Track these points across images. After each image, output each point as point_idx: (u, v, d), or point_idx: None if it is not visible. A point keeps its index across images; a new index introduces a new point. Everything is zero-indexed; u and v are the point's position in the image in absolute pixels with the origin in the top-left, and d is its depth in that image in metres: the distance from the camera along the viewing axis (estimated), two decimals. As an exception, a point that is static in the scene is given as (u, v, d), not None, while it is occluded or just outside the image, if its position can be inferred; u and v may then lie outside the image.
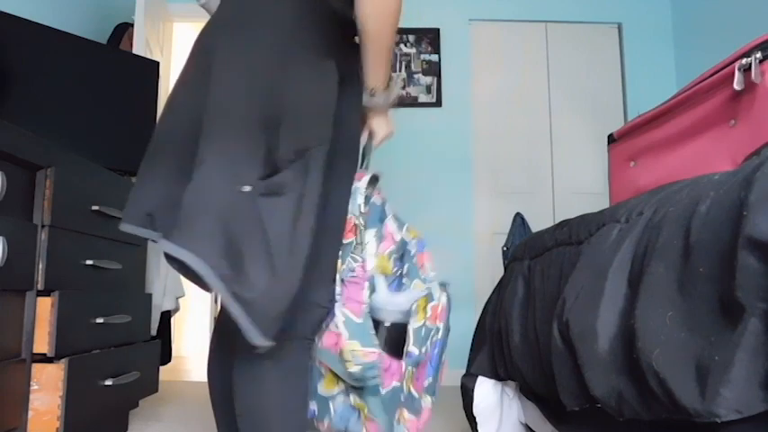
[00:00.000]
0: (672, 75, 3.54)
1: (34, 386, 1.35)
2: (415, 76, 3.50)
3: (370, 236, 1.01)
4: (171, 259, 0.87)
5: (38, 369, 1.36)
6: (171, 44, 3.31)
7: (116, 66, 2.13)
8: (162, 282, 2.33)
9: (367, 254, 1.00)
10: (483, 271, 3.23)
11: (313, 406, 1.02)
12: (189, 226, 0.83)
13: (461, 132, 3.44)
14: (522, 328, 1.38)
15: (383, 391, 0.98)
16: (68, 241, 1.47)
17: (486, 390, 1.57)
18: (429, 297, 1.05)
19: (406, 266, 1.05)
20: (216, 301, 3.94)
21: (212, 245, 0.82)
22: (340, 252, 1.01)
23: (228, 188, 0.85)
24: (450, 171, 3.39)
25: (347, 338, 0.95)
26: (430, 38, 3.46)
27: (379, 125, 1.10)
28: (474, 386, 1.59)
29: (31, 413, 1.34)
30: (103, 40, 2.87)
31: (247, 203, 0.84)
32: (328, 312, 0.98)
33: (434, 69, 3.47)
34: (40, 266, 1.36)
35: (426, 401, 1.07)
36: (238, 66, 0.92)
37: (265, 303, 0.82)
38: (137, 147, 2.12)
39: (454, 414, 2.07)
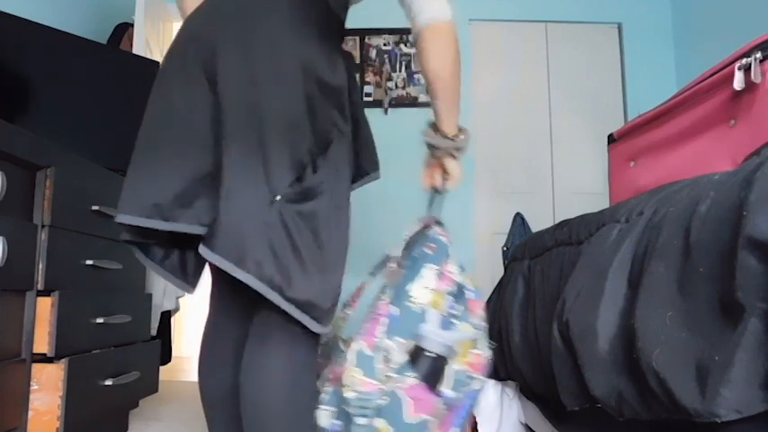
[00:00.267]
0: (672, 75, 3.54)
1: (34, 386, 1.35)
2: (415, 76, 3.50)
3: (430, 270, 1.05)
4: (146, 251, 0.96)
5: (38, 369, 1.36)
6: (171, 44, 3.30)
7: (116, 66, 2.13)
8: (162, 282, 2.33)
9: (422, 285, 1.04)
10: (483, 271, 3.23)
11: (337, 426, 1.02)
12: (240, 248, 0.86)
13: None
14: (522, 328, 1.38)
15: (413, 420, 0.99)
16: (68, 241, 1.47)
17: (486, 390, 1.57)
18: (475, 343, 1.07)
19: (458, 309, 1.07)
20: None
21: (264, 260, 0.86)
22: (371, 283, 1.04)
23: (264, 200, 0.87)
24: (450, 171, 3.39)
25: (352, 365, 0.99)
26: (430, 38, 3.46)
27: (454, 168, 1.10)
28: (474, 386, 1.59)
29: (31, 413, 1.34)
30: (103, 40, 2.87)
31: (283, 213, 0.87)
32: (334, 312, 1.00)
33: (434, 69, 3.47)
34: (40, 266, 1.36)
35: None
36: (253, 61, 0.91)
37: (319, 300, 0.89)
38: (137, 147, 2.12)
39: (454, 414, 2.07)
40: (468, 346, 1.06)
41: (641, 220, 0.95)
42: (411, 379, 0.99)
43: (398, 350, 1.00)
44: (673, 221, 0.83)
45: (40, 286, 1.36)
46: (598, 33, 3.61)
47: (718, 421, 0.66)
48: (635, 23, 3.60)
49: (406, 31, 3.46)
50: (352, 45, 3.53)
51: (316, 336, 0.97)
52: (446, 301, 1.05)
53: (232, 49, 0.92)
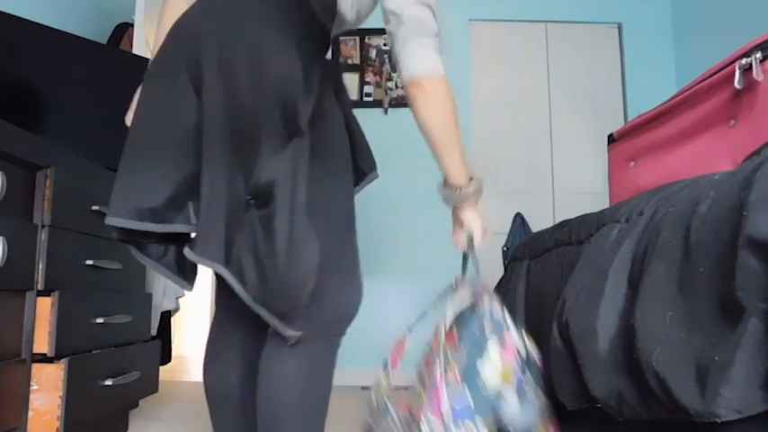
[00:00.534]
0: (672, 75, 3.54)
1: (34, 386, 1.35)
2: (415, 76, 3.49)
3: (493, 346, 1.03)
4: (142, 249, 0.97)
5: (38, 369, 1.36)
6: (171, 44, 3.30)
7: (116, 66, 2.13)
8: (162, 282, 2.33)
9: (491, 365, 1.03)
10: (483, 271, 3.23)
11: None
12: (205, 238, 0.89)
13: (461, 132, 3.44)
14: (521, 328, 1.38)
15: None
16: (68, 241, 1.47)
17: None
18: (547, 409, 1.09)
19: (527, 374, 1.08)
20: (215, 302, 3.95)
21: (245, 263, 0.87)
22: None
23: (240, 204, 0.89)
24: (450, 171, 3.38)
25: None
26: (430, 38, 3.46)
27: (472, 220, 1.06)
28: (474, 386, 1.59)
29: (31, 413, 1.34)
30: (103, 40, 2.87)
31: (254, 214, 0.89)
32: (355, 313, 1.01)
33: (434, 69, 3.46)
34: (40, 266, 1.36)
35: None
36: (232, 71, 0.92)
37: (291, 305, 0.89)
38: (137, 147, 2.11)
39: (454, 414, 2.07)
40: (545, 419, 1.07)
41: (641, 220, 0.95)
42: None
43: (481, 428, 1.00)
44: (673, 221, 0.83)
45: (40, 286, 1.36)
46: (598, 33, 3.61)
47: (718, 421, 0.66)
48: (635, 23, 3.59)
49: (406, 31, 3.46)
50: (352, 45, 3.53)
51: (333, 343, 0.99)
52: (514, 372, 1.05)
53: (215, 57, 0.92)
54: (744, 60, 1.11)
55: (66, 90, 1.95)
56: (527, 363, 1.08)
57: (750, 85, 1.11)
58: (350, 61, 3.52)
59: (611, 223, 1.06)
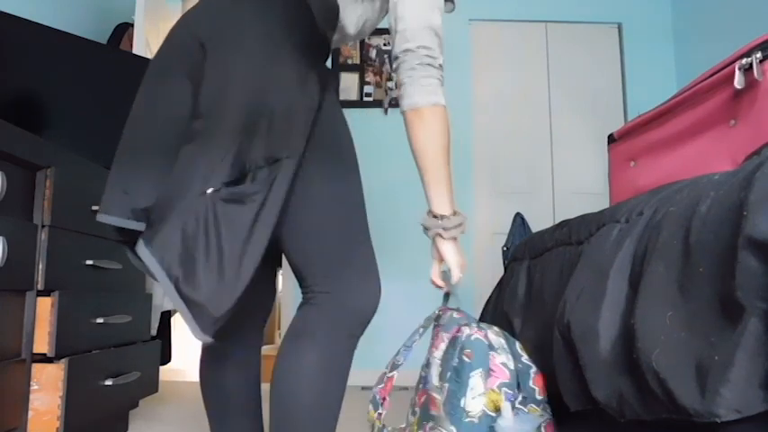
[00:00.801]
0: (672, 75, 3.54)
1: (34, 386, 1.35)
2: (415, 76, 3.49)
3: (475, 377, 1.05)
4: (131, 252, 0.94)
5: (38, 369, 1.36)
6: (171, 44, 3.31)
7: (116, 66, 2.12)
8: (162, 282, 2.32)
9: (473, 395, 1.04)
10: (483, 271, 3.23)
11: None
12: (155, 226, 0.87)
13: (461, 132, 3.43)
14: (522, 329, 1.38)
15: None
16: (68, 241, 1.47)
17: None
18: (549, 420, 1.10)
19: (521, 394, 1.08)
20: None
21: (171, 247, 0.86)
22: None
23: (195, 190, 0.87)
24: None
25: None
26: (430, 38, 3.46)
27: (451, 253, 1.06)
28: (474, 386, 1.59)
29: (31, 413, 1.34)
30: (103, 40, 2.87)
31: (208, 206, 0.87)
32: (373, 313, 1.01)
33: (434, 69, 3.47)
34: (40, 266, 1.36)
35: None
36: (229, 68, 0.92)
37: (210, 307, 0.86)
38: (137, 147, 2.11)
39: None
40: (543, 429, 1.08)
41: (641, 220, 0.95)
42: None
43: None
44: (673, 221, 0.83)
45: (40, 286, 1.36)
46: (598, 33, 3.61)
47: (718, 421, 0.66)
48: (635, 23, 3.60)
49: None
50: (352, 45, 3.53)
51: (352, 341, 1.00)
52: (503, 393, 1.06)
53: (215, 60, 0.93)
54: (744, 60, 1.11)
55: (67, 90, 1.95)
56: (521, 378, 1.09)
57: (750, 85, 1.11)
58: (350, 61, 3.53)
59: (611, 223, 1.06)
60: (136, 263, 0.97)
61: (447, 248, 1.06)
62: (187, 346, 3.41)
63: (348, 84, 3.50)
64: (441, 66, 0.99)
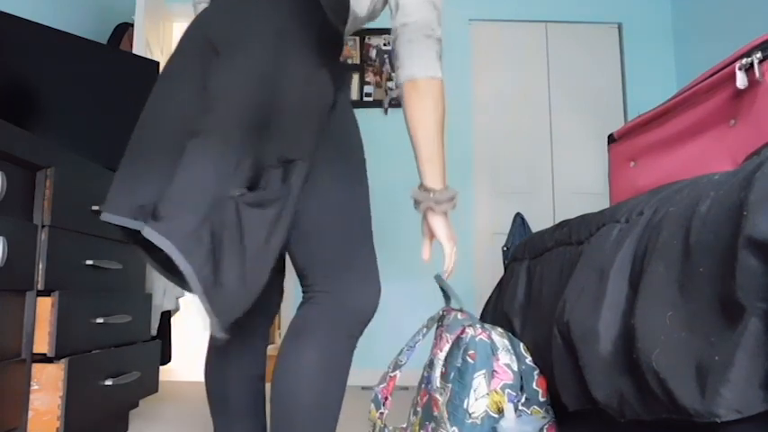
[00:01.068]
0: (672, 75, 3.54)
1: (34, 386, 1.35)
2: (415, 76, 3.49)
3: (479, 379, 1.06)
4: (147, 250, 0.92)
5: (38, 369, 1.36)
6: (171, 44, 3.31)
7: (116, 66, 2.13)
8: (162, 282, 2.33)
9: (476, 396, 1.05)
10: (483, 271, 3.23)
11: None
12: (178, 224, 0.85)
13: (461, 132, 3.44)
14: (522, 329, 1.38)
15: None
16: (68, 241, 1.47)
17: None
18: (551, 422, 1.11)
19: (524, 396, 1.09)
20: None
21: (199, 247, 0.85)
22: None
23: (218, 191, 0.87)
24: (450, 171, 3.33)
25: None
26: (430, 38, 3.46)
27: (441, 227, 1.05)
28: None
29: (31, 413, 1.34)
30: (103, 40, 2.87)
31: (232, 209, 0.87)
32: (373, 314, 1.02)
33: (434, 69, 3.47)
34: (40, 266, 1.36)
35: None
36: (238, 66, 0.92)
37: (232, 304, 0.87)
38: (137, 147, 2.11)
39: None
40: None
41: (641, 220, 0.95)
42: None
43: None
44: (673, 221, 0.83)
45: (40, 286, 1.36)
46: (598, 33, 3.61)
47: (718, 421, 0.65)
48: (635, 23, 3.59)
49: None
50: (352, 45, 3.53)
51: (351, 341, 1.00)
52: (506, 395, 1.06)
53: (225, 58, 0.93)
54: (744, 60, 1.11)
55: (67, 90, 1.95)
56: (525, 380, 1.10)
57: (750, 85, 1.11)
58: (350, 61, 3.52)
59: (611, 223, 1.06)
60: (148, 261, 0.97)
61: (437, 222, 1.05)
62: (187, 346, 3.43)
63: (348, 84, 3.50)
64: (439, 39, 0.99)
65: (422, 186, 1.04)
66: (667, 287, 0.78)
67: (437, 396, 1.08)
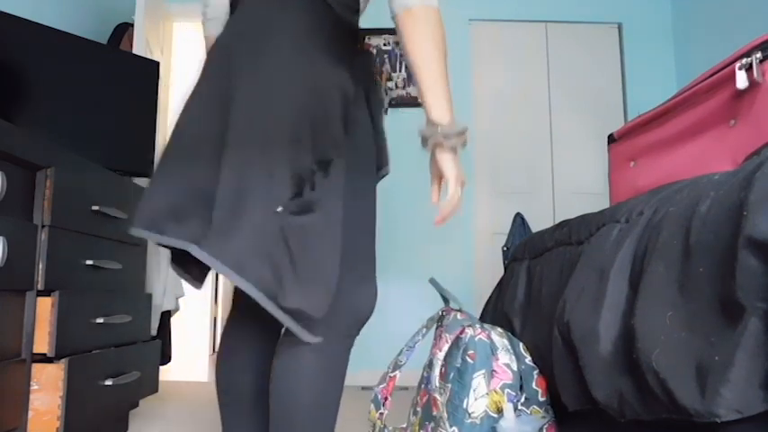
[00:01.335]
0: (672, 75, 3.54)
1: (34, 386, 1.35)
2: (415, 76, 3.50)
3: (478, 378, 1.06)
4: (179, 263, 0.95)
5: (38, 369, 1.36)
6: (171, 44, 3.31)
7: (116, 66, 2.13)
8: (162, 282, 2.33)
9: (476, 396, 1.06)
10: (483, 271, 3.23)
11: None
12: (240, 251, 0.87)
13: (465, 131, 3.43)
14: (522, 329, 1.38)
15: None
16: (68, 241, 1.47)
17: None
18: (551, 421, 1.11)
19: (523, 396, 1.09)
20: (216, 302, 3.94)
21: (263, 268, 0.87)
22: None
23: (266, 209, 0.88)
24: (450, 171, 3.39)
25: None
26: (430, 38, 3.46)
27: (446, 163, 0.98)
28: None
29: (31, 413, 1.34)
30: (103, 40, 2.87)
31: (283, 223, 0.88)
32: (370, 314, 1.02)
33: (434, 69, 3.47)
34: (40, 266, 1.36)
35: None
36: (261, 77, 0.93)
37: (310, 309, 0.89)
38: (137, 147, 2.12)
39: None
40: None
41: (641, 220, 0.95)
42: None
43: None
44: (673, 221, 0.83)
45: (40, 286, 1.36)
46: (598, 33, 3.61)
47: (718, 421, 0.65)
48: (635, 23, 3.60)
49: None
50: (352, 45, 3.53)
51: (348, 341, 1.01)
52: (506, 394, 1.07)
53: (245, 67, 0.94)
54: (744, 60, 1.11)
55: (67, 90, 1.95)
56: (524, 379, 1.10)
57: (750, 86, 1.11)
58: (350, 61, 3.53)
59: (611, 223, 1.06)
60: (179, 272, 1.00)
61: (446, 160, 0.98)
62: (187, 346, 3.43)
63: (348, 84, 3.50)
64: None
65: (428, 121, 0.98)
66: (667, 287, 0.78)
67: (437, 396, 1.08)
